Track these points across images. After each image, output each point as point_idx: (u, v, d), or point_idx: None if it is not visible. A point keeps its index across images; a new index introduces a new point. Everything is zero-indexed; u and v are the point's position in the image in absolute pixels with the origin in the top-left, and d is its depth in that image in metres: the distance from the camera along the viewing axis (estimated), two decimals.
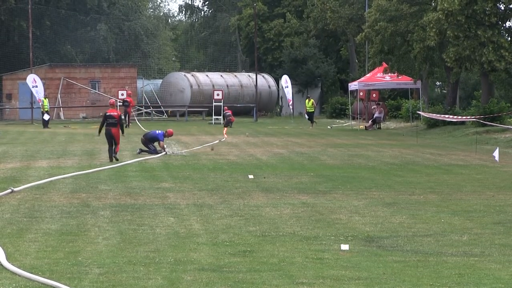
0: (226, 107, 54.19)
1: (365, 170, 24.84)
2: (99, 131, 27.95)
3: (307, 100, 54.51)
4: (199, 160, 27.69)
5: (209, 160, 27.65)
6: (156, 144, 30.02)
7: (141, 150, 29.61)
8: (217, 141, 36.16)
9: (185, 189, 19.85)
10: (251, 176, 22.46)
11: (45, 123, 49.86)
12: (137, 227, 14.33)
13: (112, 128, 27.06)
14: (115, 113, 27.53)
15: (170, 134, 30.91)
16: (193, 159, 27.88)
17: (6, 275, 10.61)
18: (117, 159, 26.81)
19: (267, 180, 21.83)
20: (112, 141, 27.04)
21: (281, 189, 19.96)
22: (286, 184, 20.91)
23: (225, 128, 46.00)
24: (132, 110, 53.53)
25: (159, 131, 30.17)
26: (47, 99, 52.26)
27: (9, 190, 18.72)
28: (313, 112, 54.48)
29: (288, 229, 14.32)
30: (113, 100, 32.10)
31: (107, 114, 27.65)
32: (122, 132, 27.60)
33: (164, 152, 29.47)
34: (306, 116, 56.49)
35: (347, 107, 61.97)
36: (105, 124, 27.35)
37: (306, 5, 76.01)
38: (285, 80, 62.20)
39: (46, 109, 51.01)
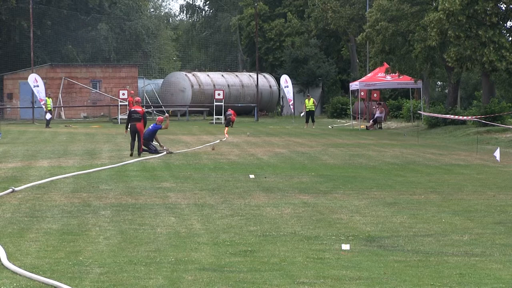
0: (230, 109, 53.91)
1: (366, 170, 24.82)
2: (126, 128, 29.04)
3: (306, 100, 54.43)
4: (200, 159, 27.67)
5: (210, 159, 27.63)
6: (156, 144, 30.09)
7: (143, 150, 29.61)
8: (218, 141, 36.15)
9: (186, 188, 19.83)
10: (252, 176, 22.44)
11: (47, 123, 49.87)
12: (138, 227, 14.32)
13: (136, 123, 28.42)
14: (140, 109, 28.94)
15: (161, 121, 31.16)
16: (194, 159, 27.86)
17: (7, 275, 10.59)
18: (138, 154, 28.20)
19: (268, 180, 21.81)
20: (136, 135, 28.42)
21: (282, 189, 19.94)
22: (287, 184, 20.89)
23: (226, 128, 45.98)
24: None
25: (151, 125, 30.61)
26: (50, 98, 52.26)
27: (10, 190, 18.70)
28: (314, 111, 54.42)
29: (289, 229, 14.30)
30: (138, 98, 32.69)
31: (131, 110, 29.25)
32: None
33: (164, 152, 29.46)
34: (301, 114, 56.39)
35: (348, 107, 61.97)
36: (130, 120, 28.79)
37: (307, 5, 76.00)
38: (285, 80, 62.07)
39: (49, 108, 51.05)
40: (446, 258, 11.92)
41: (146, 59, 76.07)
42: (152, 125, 30.60)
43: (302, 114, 56.31)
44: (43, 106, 51.82)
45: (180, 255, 11.86)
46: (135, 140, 28.46)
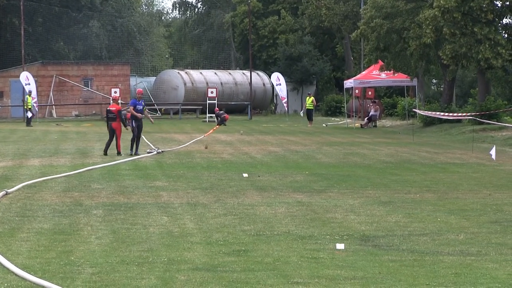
0: (217, 108, 54.05)
1: (360, 168, 24.73)
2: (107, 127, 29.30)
3: (307, 97, 54.65)
4: (193, 158, 27.56)
5: (203, 158, 27.52)
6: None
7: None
8: (202, 136, 36.18)
9: (178, 187, 19.71)
10: (245, 175, 22.34)
11: (29, 121, 49.61)
12: (130, 226, 14.19)
13: (112, 122, 28.51)
14: (114, 108, 28.81)
15: (140, 93, 29.77)
16: (187, 158, 27.75)
17: None
18: (118, 154, 27.97)
19: (262, 178, 21.71)
20: (114, 135, 28.38)
21: (275, 187, 19.84)
22: (281, 183, 20.78)
23: (217, 126, 45.92)
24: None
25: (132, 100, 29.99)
26: (30, 96, 51.99)
27: (3, 192, 18.38)
28: (313, 109, 54.51)
29: (283, 228, 14.19)
30: (114, 95, 32.51)
31: (107, 109, 29.49)
32: (125, 126, 28.68)
33: (154, 152, 29.24)
34: (301, 113, 56.62)
35: (342, 105, 61.90)
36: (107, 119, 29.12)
37: (301, 2, 75.96)
38: (277, 78, 61.85)
39: (29, 107, 50.71)
40: (442, 257, 11.84)
41: (138, 57, 75.91)
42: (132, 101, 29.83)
43: (302, 113, 56.44)
44: (34, 104, 51.67)
45: (173, 255, 11.75)
46: (112, 139, 28.35)
